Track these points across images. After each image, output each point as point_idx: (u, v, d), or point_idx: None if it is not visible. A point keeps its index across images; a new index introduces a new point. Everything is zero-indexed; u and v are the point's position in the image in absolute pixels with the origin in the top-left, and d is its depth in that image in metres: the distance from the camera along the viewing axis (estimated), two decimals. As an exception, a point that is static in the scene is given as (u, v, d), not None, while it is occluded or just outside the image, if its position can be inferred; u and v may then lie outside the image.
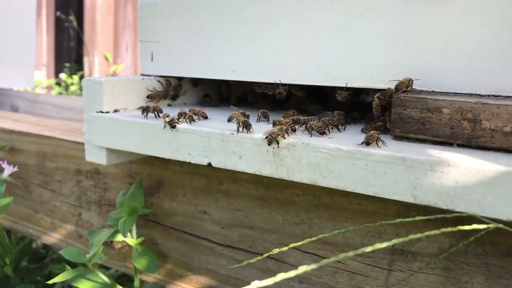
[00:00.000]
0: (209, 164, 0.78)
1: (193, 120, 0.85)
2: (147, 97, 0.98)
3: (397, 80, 0.71)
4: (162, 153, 0.83)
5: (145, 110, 0.88)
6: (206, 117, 0.88)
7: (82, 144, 1.11)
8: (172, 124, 0.80)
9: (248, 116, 0.83)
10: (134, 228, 0.97)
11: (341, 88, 0.82)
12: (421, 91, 0.72)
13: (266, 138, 0.70)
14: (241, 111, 0.85)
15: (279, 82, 0.87)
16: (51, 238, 1.23)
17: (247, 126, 0.75)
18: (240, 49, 0.90)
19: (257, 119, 0.87)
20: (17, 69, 2.34)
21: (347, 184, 0.65)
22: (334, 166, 0.66)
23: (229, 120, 0.86)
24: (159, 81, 1.02)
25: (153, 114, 0.88)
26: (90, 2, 4.75)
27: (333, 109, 0.96)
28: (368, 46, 0.76)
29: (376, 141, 0.66)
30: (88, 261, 0.95)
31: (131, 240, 0.96)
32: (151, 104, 0.91)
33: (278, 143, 0.70)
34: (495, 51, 0.67)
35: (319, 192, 0.82)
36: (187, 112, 0.85)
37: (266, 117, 0.86)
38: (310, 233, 0.84)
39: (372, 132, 0.67)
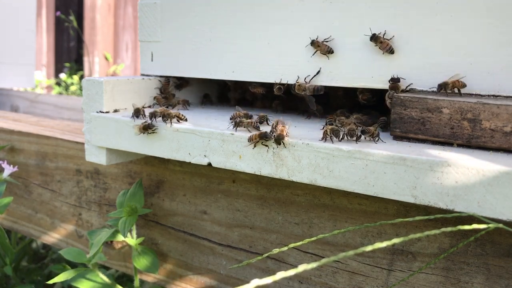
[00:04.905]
0: (209, 164, 0.78)
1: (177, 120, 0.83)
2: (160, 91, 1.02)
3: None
4: (162, 153, 0.83)
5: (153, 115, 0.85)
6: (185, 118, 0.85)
7: (82, 144, 1.11)
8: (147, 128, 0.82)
9: (251, 117, 0.83)
10: (134, 228, 0.97)
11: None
12: (421, 91, 0.72)
13: (274, 140, 0.70)
14: (244, 111, 0.85)
15: (279, 82, 0.87)
16: (51, 238, 1.23)
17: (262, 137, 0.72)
18: (240, 49, 0.90)
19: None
20: (17, 69, 2.34)
21: (347, 184, 0.65)
22: (334, 166, 0.66)
23: (231, 120, 0.85)
24: (159, 81, 1.02)
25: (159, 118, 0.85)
26: (90, 2, 4.75)
27: (333, 109, 0.96)
28: (368, 46, 0.76)
29: (373, 136, 0.67)
30: (88, 261, 0.95)
31: (131, 240, 0.96)
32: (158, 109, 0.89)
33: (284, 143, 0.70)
34: (495, 51, 0.67)
35: (319, 192, 0.82)
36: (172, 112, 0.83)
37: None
38: (310, 233, 0.84)
39: (371, 127, 0.68)
